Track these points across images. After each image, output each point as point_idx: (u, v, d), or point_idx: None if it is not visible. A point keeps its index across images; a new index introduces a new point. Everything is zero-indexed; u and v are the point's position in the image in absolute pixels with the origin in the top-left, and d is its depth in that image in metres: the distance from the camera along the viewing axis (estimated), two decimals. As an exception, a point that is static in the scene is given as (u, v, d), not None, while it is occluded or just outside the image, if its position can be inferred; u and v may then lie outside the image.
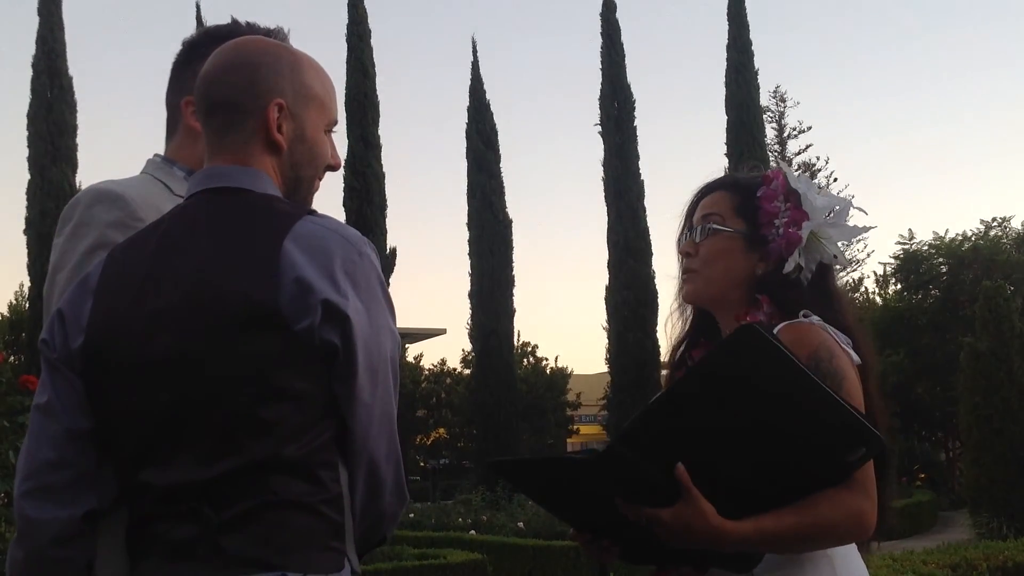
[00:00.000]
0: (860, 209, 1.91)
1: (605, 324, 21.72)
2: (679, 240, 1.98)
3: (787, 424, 1.50)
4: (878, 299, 25.37)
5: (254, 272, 1.33)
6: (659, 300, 21.14)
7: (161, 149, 1.87)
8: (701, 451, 1.51)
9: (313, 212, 1.45)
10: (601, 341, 23.38)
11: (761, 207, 1.86)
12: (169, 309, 1.36)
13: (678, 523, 1.51)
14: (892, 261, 24.39)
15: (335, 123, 1.59)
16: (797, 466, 1.55)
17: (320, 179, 1.58)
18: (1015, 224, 24.00)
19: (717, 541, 1.53)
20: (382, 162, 20.66)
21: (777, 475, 1.55)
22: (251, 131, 1.48)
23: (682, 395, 1.51)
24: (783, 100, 31.74)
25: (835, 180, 29.58)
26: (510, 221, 22.80)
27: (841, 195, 1.95)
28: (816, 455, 1.55)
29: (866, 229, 1.90)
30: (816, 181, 1.91)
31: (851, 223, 1.88)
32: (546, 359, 32.76)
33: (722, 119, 22.29)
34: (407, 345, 28.28)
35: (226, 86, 1.48)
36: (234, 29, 1.78)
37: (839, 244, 1.86)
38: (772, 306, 1.81)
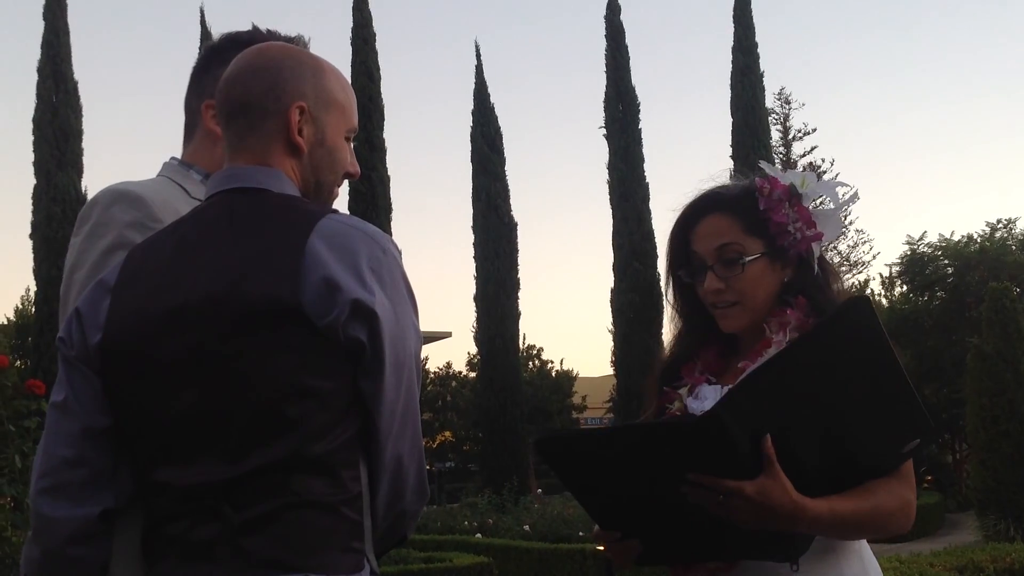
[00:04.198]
0: (844, 183, 1.91)
1: (610, 327, 21.73)
2: (675, 272, 1.92)
3: (863, 404, 1.53)
4: (884, 301, 25.32)
5: (278, 269, 1.33)
6: (664, 303, 21.07)
7: (166, 153, 1.87)
8: (782, 425, 1.50)
9: (335, 211, 1.45)
10: (606, 344, 23.46)
11: (771, 220, 1.82)
12: (190, 307, 1.36)
13: (761, 497, 1.48)
14: (898, 263, 24.36)
15: (355, 130, 1.58)
16: (860, 450, 1.58)
17: (339, 186, 1.58)
18: (1021, 225, 23.95)
19: (795, 518, 1.51)
20: (387, 166, 20.72)
21: (840, 458, 1.57)
22: (271, 133, 1.48)
23: (790, 360, 1.50)
24: (788, 102, 31.73)
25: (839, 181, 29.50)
26: (515, 224, 22.81)
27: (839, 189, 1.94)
28: (880, 441, 1.58)
29: (854, 199, 1.90)
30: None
31: (841, 194, 1.90)
32: (551, 362, 32.81)
33: (727, 121, 22.29)
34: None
35: (248, 88, 1.48)
36: (256, 35, 1.78)
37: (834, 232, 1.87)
38: (808, 306, 1.79)
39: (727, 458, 1.48)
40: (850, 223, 27.65)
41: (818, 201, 1.89)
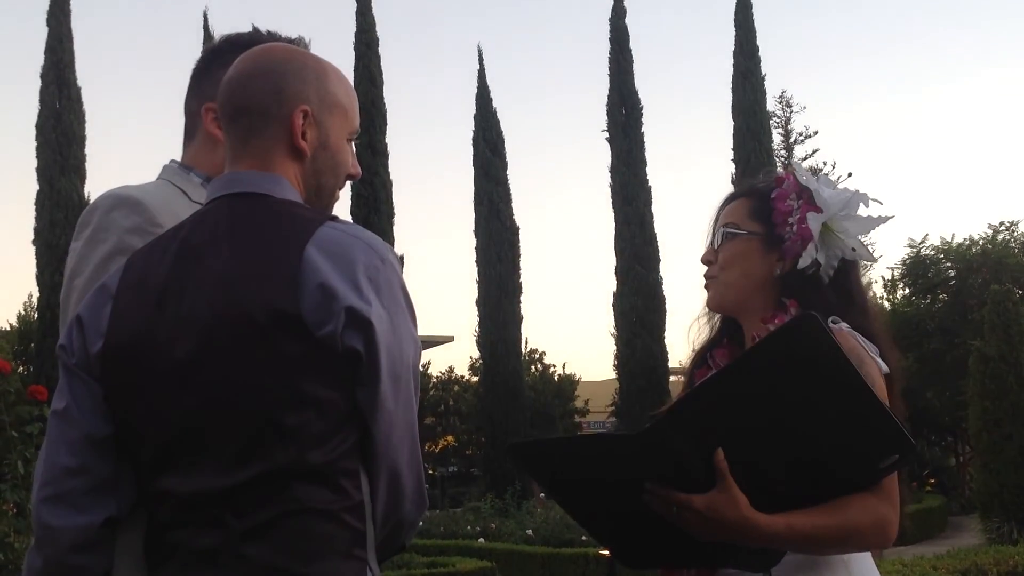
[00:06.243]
0: (876, 200, 1.89)
1: (613, 330, 21.71)
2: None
3: (827, 422, 1.49)
4: (886, 304, 25.29)
5: (276, 278, 1.32)
6: (667, 306, 21.14)
7: (170, 158, 1.86)
8: (739, 440, 1.48)
9: (335, 218, 1.44)
10: (609, 347, 23.41)
11: (775, 207, 1.86)
12: (191, 315, 1.35)
13: (710, 511, 1.48)
14: (900, 266, 24.35)
15: (357, 132, 1.58)
16: (830, 466, 1.54)
17: (341, 188, 1.57)
18: (1023, 228, 23.92)
19: (746, 534, 1.50)
20: (389, 170, 20.73)
21: (809, 473, 1.54)
22: (275, 137, 1.47)
23: (733, 376, 1.49)
24: (789, 105, 31.76)
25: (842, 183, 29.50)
26: (517, 228, 22.82)
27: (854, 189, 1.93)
28: (851, 457, 1.54)
29: (883, 220, 1.87)
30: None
31: (867, 215, 1.87)
32: (554, 366, 32.80)
33: (729, 125, 22.30)
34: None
35: (251, 91, 1.47)
36: (255, 37, 1.77)
37: (859, 238, 1.85)
38: (799, 310, 1.79)
39: (677, 470, 1.48)
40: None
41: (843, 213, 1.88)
